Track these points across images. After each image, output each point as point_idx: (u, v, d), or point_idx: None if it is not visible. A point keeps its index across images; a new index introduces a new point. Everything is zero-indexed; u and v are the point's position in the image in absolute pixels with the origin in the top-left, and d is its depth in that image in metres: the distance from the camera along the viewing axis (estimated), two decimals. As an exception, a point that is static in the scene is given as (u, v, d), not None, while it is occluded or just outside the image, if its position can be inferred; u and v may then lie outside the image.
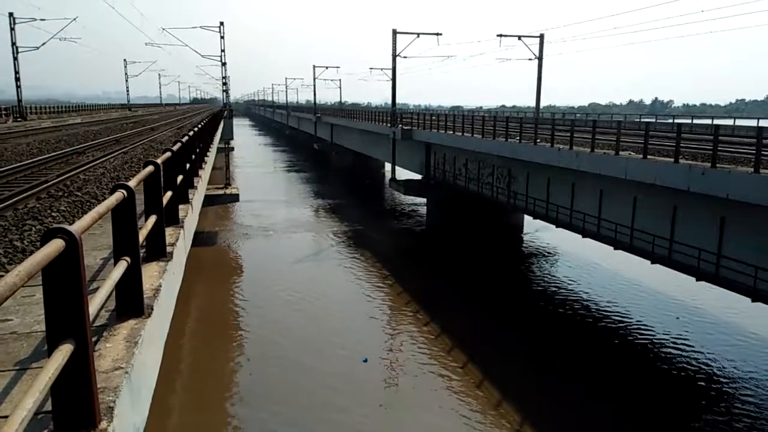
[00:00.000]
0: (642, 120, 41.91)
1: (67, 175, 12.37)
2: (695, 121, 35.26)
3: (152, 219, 5.74)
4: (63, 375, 2.53)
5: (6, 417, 2.11)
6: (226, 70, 48.30)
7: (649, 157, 16.86)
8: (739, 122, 35.13)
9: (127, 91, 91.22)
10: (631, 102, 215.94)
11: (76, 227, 2.73)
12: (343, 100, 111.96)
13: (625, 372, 16.65)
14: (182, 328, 18.52)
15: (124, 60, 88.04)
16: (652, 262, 17.45)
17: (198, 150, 14.64)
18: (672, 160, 15.86)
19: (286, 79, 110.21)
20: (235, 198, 28.09)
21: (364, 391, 15.23)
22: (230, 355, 17.42)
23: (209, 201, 24.82)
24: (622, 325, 20.24)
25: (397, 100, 41.67)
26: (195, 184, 11.98)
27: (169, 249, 6.38)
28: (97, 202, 9.21)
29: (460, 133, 30.32)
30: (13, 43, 43.44)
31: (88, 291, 2.91)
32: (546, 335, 19.24)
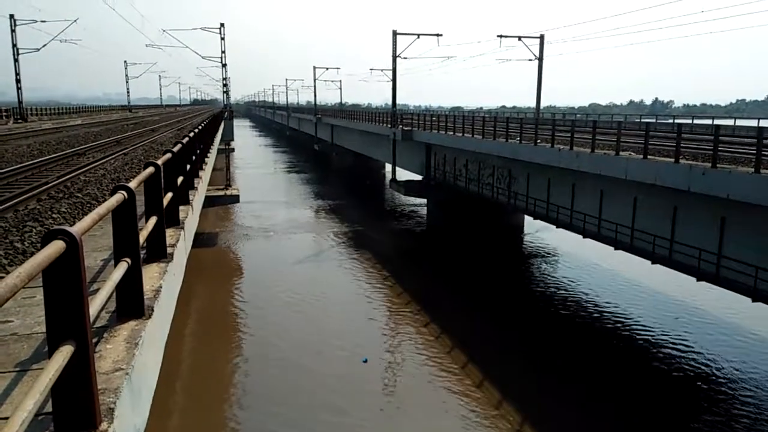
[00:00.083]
0: (642, 120, 41.89)
1: (68, 177, 12.38)
2: (696, 122, 35.25)
3: (153, 220, 5.74)
4: (63, 376, 2.53)
5: (6, 418, 2.11)
6: (226, 72, 48.33)
7: (649, 157, 16.85)
8: (740, 122, 35.12)
9: (128, 92, 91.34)
10: (631, 102, 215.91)
11: (76, 229, 2.73)
12: (343, 101, 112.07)
13: (624, 372, 16.63)
14: (183, 329, 18.52)
15: (125, 61, 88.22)
16: (653, 263, 17.44)
17: (198, 151, 14.64)
18: (672, 160, 15.86)
19: (286, 80, 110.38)
20: (235, 199, 28.09)
21: (363, 392, 15.22)
22: (230, 356, 17.43)
23: (210, 202, 24.83)
24: (622, 325, 20.22)
25: (398, 101, 41.72)
26: (195, 185, 11.98)
27: (169, 250, 6.38)
28: (97, 204, 9.22)
29: (461, 134, 30.33)
30: (14, 45, 43.48)
31: (89, 292, 2.91)
32: (546, 335, 19.23)
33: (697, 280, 15.90)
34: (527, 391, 15.27)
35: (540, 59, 39.03)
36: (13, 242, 6.71)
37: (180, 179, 8.93)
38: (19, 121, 44.89)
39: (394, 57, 39.80)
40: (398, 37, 39.54)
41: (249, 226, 35.16)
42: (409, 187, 36.96)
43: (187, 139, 10.94)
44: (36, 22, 44.53)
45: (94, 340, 3.66)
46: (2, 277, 2.08)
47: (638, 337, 19.25)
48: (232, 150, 43.13)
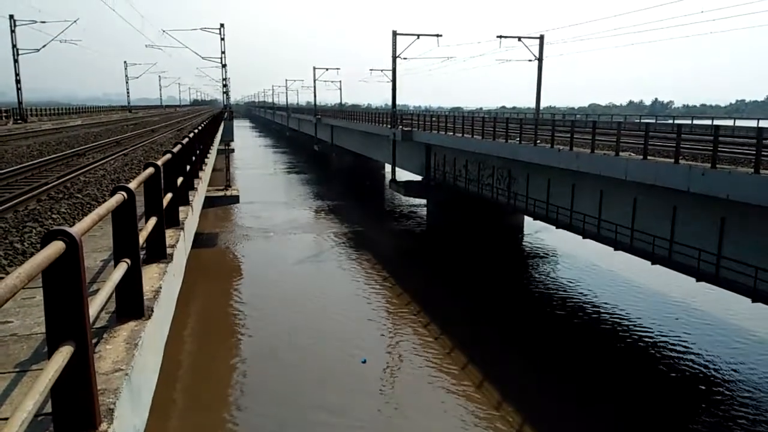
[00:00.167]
0: (642, 121, 41.89)
1: (68, 177, 12.38)
2: (695, 122, 35.24)
3: (152, 221, 5.74)
4: (63, 377, 2.53)
5: (6, 419, 2.11)
6: (226, 72, 48.38)
7: (649, 157, 16.86)
8: (739, 123, 35.12)
9: (128, 93, 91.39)
10: (631, 103, 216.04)
11: (76, 229, 2.73)
12: (343, 102, 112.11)
13: (624, 373, 16.63)
14: (182, 329, 18.52)
15: (125, 62, 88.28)
16: (653, 263, 17.45)
17: (198, 152, 14.65)
18: (672, 160, 15.86)
19: (286, 80, 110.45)
20: (235, 199, 28.07)
21: (362, 392, 15.21)
22: (230, 356, 17.42)
23: (209, 203, 24.82)
24: (621, 325, 20.22)
25: (397, 102, 41.73)
26: (195, 186, 11.99)
27: (169, 251, 6.39)
28: (97, 204, 9.22)
29: (461, 135, 30.33)
30: (14, 46, 43.49)
31: (89, 293, 2.91)
32: (546, 336, 19.22)
33: (697, 281, 15.91)
34: (527, 391, 15.27)
35: (540, 59, 39.05)
36: (12, 243, 6.72)
37: (180, 180, 8.94)
38: (19, 121, 44.89)
39: (394, 57, 39.82)
40: (398, 37, 39.57)
41: (249, 226, 35.16)
42: (408, 188, 36.97)
43: (186, 139, 10.95)
44: (36, 22, 44.58)
45: (94, 341, 3.66)
46: (2, 278, 2.08)
47: (638, 337, 19.24)
48: (232, 150, 43.11)
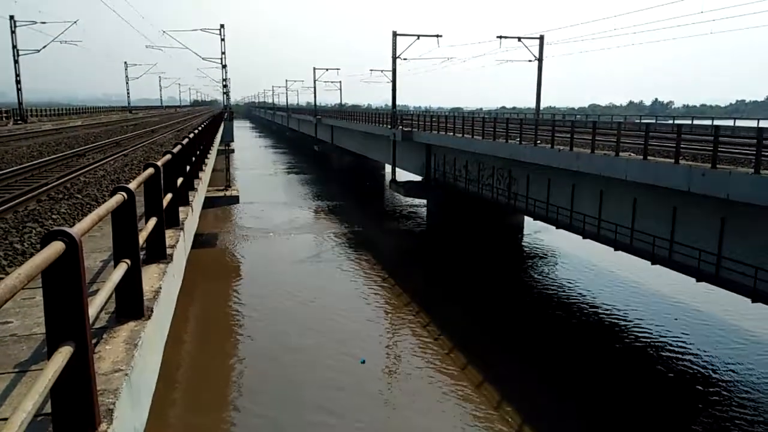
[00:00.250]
0: (642, 121, 41.89)
1: (68, 178, 12.38)
2: (695, 122, 35.23)
3: (152, 221, 5.75)
4: (63, 377, 2.53)
5: (5, 419, 2.11)
6: (226, 73, 48.34)
7: (649, 158, 16.86)
8: (739, 123, 35.12)
9: (128, 93, 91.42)
10: (631, 103, 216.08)
11: (76, 230, 2.73)
12: (343, 102, 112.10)
13: (623, 373, 16.62)
14: (182, 330, 18.52)
15: (125, 62, 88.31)
16: (653, 263, 17.44)
17: (198, 152, 14.66)
18: (672, 161, 15.86)
19: (286, 81, 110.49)
20: (235, 200, 28.07)
21: (361, 393, 15.19)
22: (229, 356, 17.42)
23: (209, 203, 24.82)
24: (621, 326, 20.21)
25: (398, 102, 41.73)
26: (195, 186, 11.99)
27: (169, 251, 6.39)
28: (97, 205, 9.22)
29: (461, 135, 30.33)
30: (14, 46, 43.51)
31: (88, 293, 2.91)
32: (546, 336, 19.21)
33: (697, 281, 15.91)
34: (527, 391, 15.27)
35: (540, 60, 39.05)
36: (12, 243, 6.72)
37: (180, 180, 8.94)
38: (19, 122, 44.91)
39: (394, 58, 39.82)
40: (398, 38, 39.58)
41: (249, 226, 35.16)
42: (409, 188, 36.96)
43: (186, 140, 10.95)
44: (36, 23, 44.61)
45: (94, 341, 3.66)
46: (2, 278, 2.08)
47: (637, 338, 19.23)
48: (232, 151, 43.14)
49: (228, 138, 42.53)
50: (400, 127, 39.39)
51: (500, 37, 39.25)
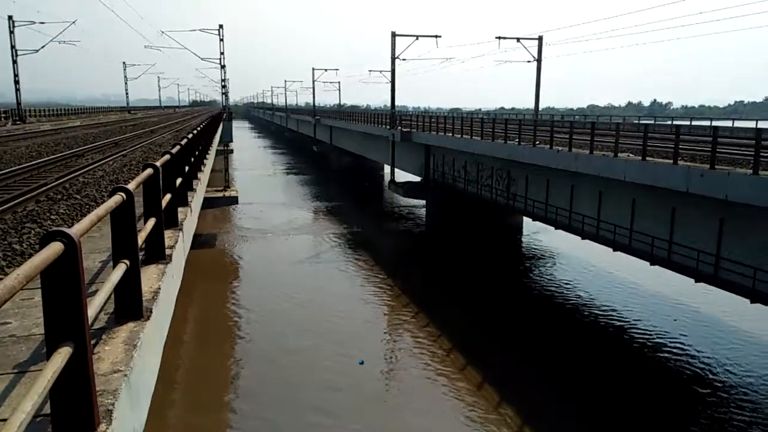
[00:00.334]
0: (641, 122, 41.96)
1: (66, 178, 12.37)
2: (694, 123, 35.28)
3: (151, 222, 5.74)
4: (62, 378, 2.53)
5: (5, 420, 2.11)
6: (225, 73, 48.34)
7: (647, 158, 16.87)
8: (738, 124, 35.18)
9: (126, 93, 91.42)
10: (629, 103, 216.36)
11: (74, 230, 2.73)
12: (342, 103, 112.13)
13: (622, 374, 16.63)
14: (181, 331, 18.51)
15: (123, 63, 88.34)
16: (651, 264, 17.46)
17: (197, 153, 14.65)
18: (671, 161, 15.87)
19: (285, 81, 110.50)
20: (234, 200, 28.08)
21: (359, 394, 15.17)
22: (228, 357, 17.41)
23: (208, 203, 24.82)
24: (620, 326, 20.22)
25: (397, 102, 41.75)
26: (194, 187, 11.98)
27: (168, 252, 6.39)
28: (96, 205, 9.21)
29: (460, 136, 30.35)
30: (13, 46, 43.47)
31: (87, 294, 2.91)
32: (545, 337, 19.22)
33: (696, 281, 15.93)
34: (526, 392, 15.27)
35: (539, 60, 39.08)
36: (11, 244, 6.71)
37: (179, 181, 8.93)
38: (18, 122, 44.87)
39: (393, 58, 39.83)
40: (397, 38, 39.59)
41: (248, 227, 35.15)
42: (408, 189, 36.97)
43: (185, 140, 10.94)
44: (35, 23, 44.57)
45: (93, 342, 3.66)
46: (1, 279, 2.08)
47: (636, 339, 19.25)
48: (231, 151, 43.15)
49: (227, 138, 42.52)
50: (399, 127, 39.40)
51: (499, 37, 39.30)
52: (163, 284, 5.49)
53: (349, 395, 15.05)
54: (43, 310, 2.70)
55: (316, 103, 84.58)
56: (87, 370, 2.78)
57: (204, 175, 16.66)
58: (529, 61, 39.58)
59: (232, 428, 13.83)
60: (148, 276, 5.57)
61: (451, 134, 31.60)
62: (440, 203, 35.04)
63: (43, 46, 44.83)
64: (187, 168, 10.97)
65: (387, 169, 46.51)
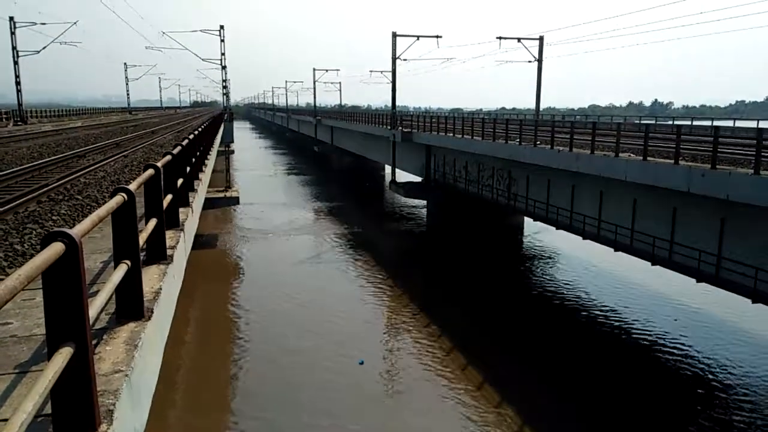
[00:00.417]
0: (642, 122, 41.91)
1: (68, 179, 12.38)
2: (695, 123, 35.25)
3: (152, 222, 5.75)
4: (63, 378, 2.53)
5: (6, 420, 2.11)
6: (226, 74, 48.34)
7: (648, 158, 16.86)
8: (739, 123, 35.13)
9: (128, 94, 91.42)
10: (630, 103, 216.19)
11: (76, 231, 2.74)
12: (343, 103, 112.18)
13: (623, 374, 16.62)
14: (182, 331, 18.51)
15: (125, 63, 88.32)
16: (653, 264, 17.44)
17: (198, 153, 14.66)
18: (672, 161, 15.86)
19: (286, 82, 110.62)
20: (235, 201, 28.08)
21: (359, 394, 15.18)
22: (228, 358, 17.41)
23: (209, 204, 24.82)
24: (620, 327, 20.21)
25: (397, 103, 41.73)
26: (195, 187, 11.99)
27: (169, 252, 6.39)
28: (97, 206, 9.22)
29: (460, 136, 30.34)
30: (14, 47, 43.52)
31: (89, 294, 2.91)
32: (546, 337, 19.21)
33: (697, 281, 15.91)
34: (527, 392, 15.26)
35: (539, 60, 39.05)
36: (13, 244, 6.72)
37: (180, 181, 8.94)
38: (19, 123, 44.92)
39: (394, 59, 39.83)
40: (398, 38, 39.58)
41: (249, 227, 35.17)
42: (408, 189, 36.97)
43: (186, 141, 10.95)
44: (36, 24, 44.62)
45: (94, 342, 3.66)
46: (2, 279, 2.08)
47: (637, 339, 19.23)
48: (232, 152, 43.16)
49: (228, 139, 42.55)
50: (400, 127, 39.39)
51: (500, 37, 39.26)
52: (165, 285, 5.50)
53: (349, 395, 15.05)
54: (45, 310, 2.71)
55: (317, 104, 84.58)
56: (88, 371, 2.78)
57: (205, 176, 16.67)
58: (530, 61, 39.56)
59: (232, 428, 13.83)
60: (150, 276, 5.58)
61: (452, 134, 31.59)
62: (441, 203, 35.03)
63: (44, 47, 44.89)
64: (188, 168, 10.97)
65: (388, 169, 46.47)
